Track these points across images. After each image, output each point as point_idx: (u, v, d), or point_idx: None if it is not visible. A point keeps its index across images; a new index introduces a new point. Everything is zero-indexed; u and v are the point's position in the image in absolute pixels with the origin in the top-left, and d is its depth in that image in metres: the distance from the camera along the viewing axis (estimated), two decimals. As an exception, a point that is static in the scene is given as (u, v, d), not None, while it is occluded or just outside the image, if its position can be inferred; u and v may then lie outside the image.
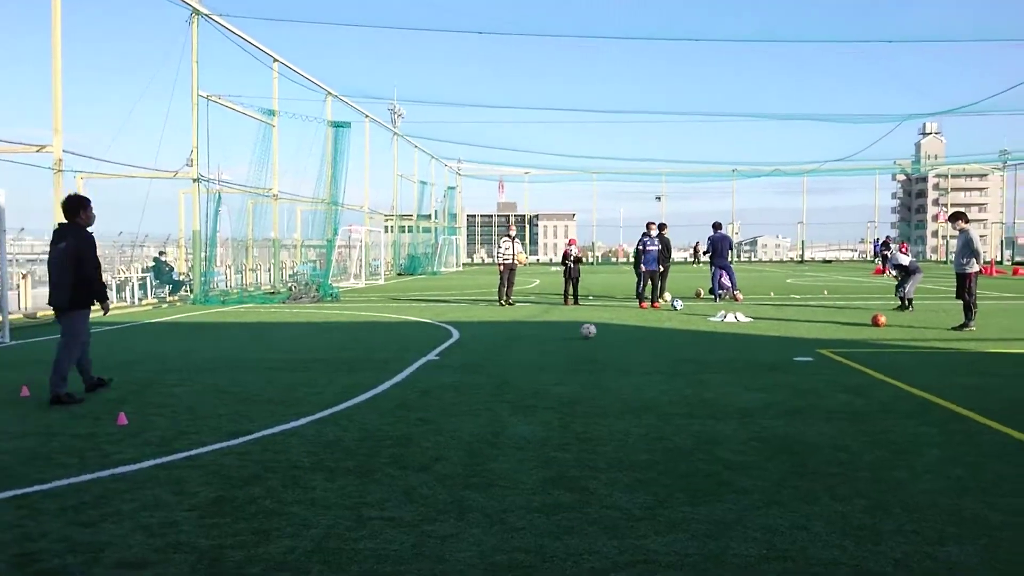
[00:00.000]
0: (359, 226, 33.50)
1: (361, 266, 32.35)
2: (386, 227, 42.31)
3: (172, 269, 23.96)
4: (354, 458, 5.21)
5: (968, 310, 12.60)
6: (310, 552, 3.61)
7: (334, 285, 23.46)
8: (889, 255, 17.10)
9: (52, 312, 7.66)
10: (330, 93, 29.81)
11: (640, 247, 17.86)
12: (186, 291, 22.30)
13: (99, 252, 7.81)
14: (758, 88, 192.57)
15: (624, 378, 8.26)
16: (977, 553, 3.58)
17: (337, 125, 23.88)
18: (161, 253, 24.39)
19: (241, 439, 5.75)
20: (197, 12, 19.99)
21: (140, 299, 20.71)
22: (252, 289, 24.76)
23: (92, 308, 7.64)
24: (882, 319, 13.23)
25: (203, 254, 20.63)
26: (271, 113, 23.69)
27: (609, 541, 3.72)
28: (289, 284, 24.41)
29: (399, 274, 40.62)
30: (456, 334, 12.47)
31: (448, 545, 3.69)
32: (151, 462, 5.15)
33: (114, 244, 25.09)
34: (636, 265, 18.00)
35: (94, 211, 7.62)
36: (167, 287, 22.70)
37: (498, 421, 6.26)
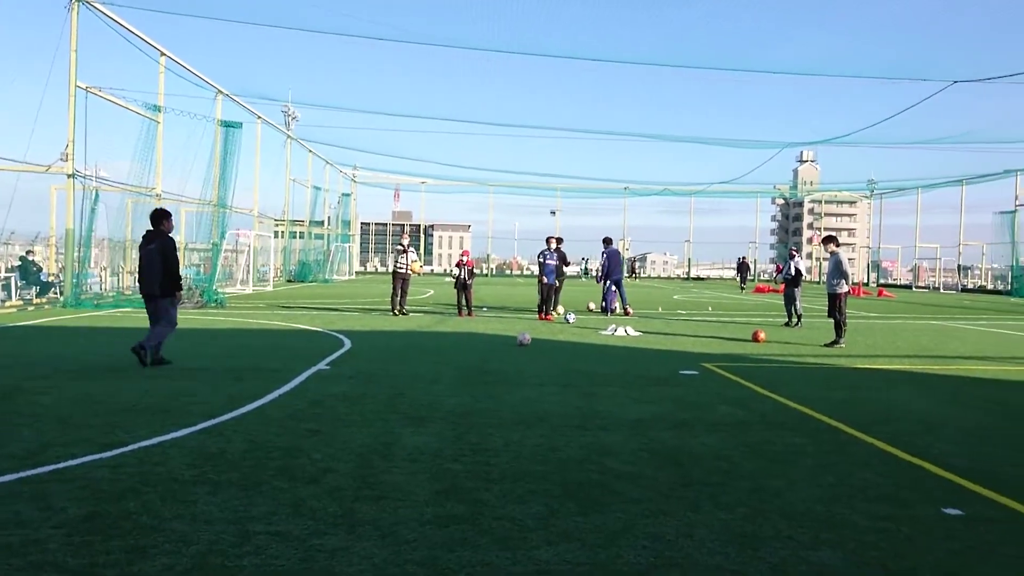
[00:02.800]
0: (248, 230, 32.41)
1: (249, 272, 31.29)
2: (277, 232, 41.14)
3: (40, 270, 22.44)
4: (239, 470, 5.01)
5: (838, 328, 13.39)
6: (190, 569, 3.44)
7: (219, 291, 22.56)
8: (793, 265, 17.69)
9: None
10: (220, 91, 28.74)
11: (541, 260, 18.31)
12: (55, 293, 20.93)
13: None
14: (650, 110, 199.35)
15: (517, 390, 8.32)
16: (845, 556, 3.80)
17: (227, 125, 23.06)
18: (28, 252, 22.81)
19: (115, 451, 5.43)
20: (77, -1, 18.90)
21: (3, 301, 19.28)
22: (130, 292, 23.49)
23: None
24: (762, 335, 13.89)
25: (76, 254, 19.43)
26: (156, 109, 22.61)
27: (502, 552, 3.72)
28: (171, 288, 23.28)
29: (289, 281, 39.54)
30: (348, 343, 12.24)
31: (338, 559, 3.60)
32: (13, 476, 4.79)
33: (-26, 241, 23.31)
34: (540, 278, 18.46)
35: (172, 222, 9.90)
36: (34, 288, 21.24)
37: (390, 432, 6.17)
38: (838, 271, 13.61)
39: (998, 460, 5.74)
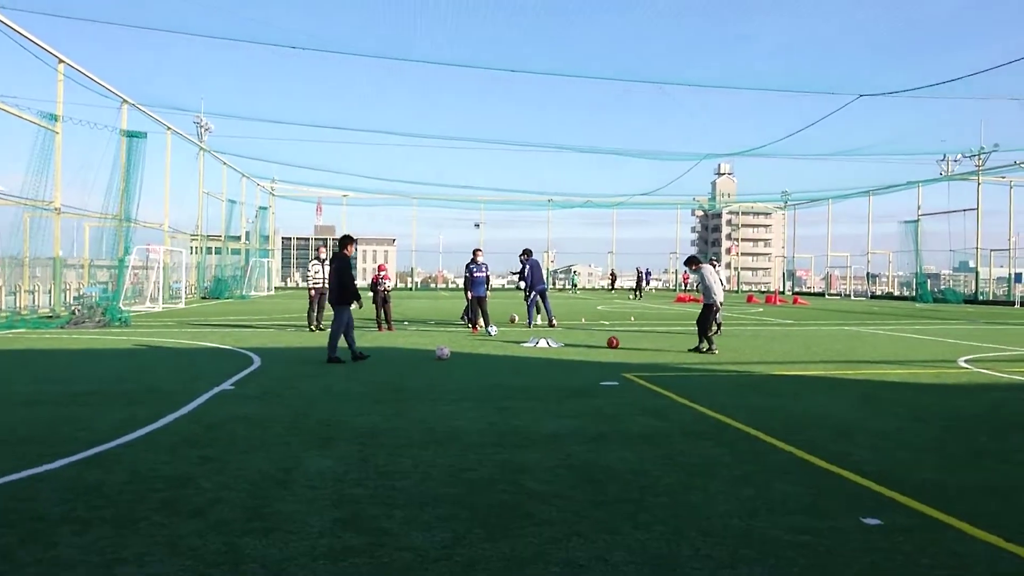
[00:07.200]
0: (158, 246, 31.07)
1: (159, 289, 29.97)
2: (191, 247, 39.65)
3: (-75, 289, 20.90)
4: (115, 505, 4.53)
5: (707, 336, 13.69)
6: (37, 626, 3.00)
7: (124, 309, 21.43)
8: (697, 280, 18.06)
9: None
10: (126, 101, 27.51)
11: (468, 274, 18.09)
12: (-58, 315, 19.47)
13: None
14: (571, 122, 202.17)
15: (432, 406, 7.98)
16: (765, 573, 3.61)
17: (131, 135, 22.01)
18: (-88, 271, 21.23)
19: (-25, 488, 4.86)
20: (-37, 0, 17.74)
21: None
22: (26, 313, 22.11)
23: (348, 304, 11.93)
24: (615, 342, 14.35)
25: (-36, 273, 18.14)
26: (53, 118, 21.43)
27: (400, 588, 3.40)
28: (72, 308, 22.02)
29: (203, 298, 38.11)
30: (257, 361, 11.66)
31: (213, 605, 3.21)
32: None
33: None
34: (466, 291, 18.37)
35: (354, 248, 12.19)
36: (-82, 310, 19.75)
37: (292, 456, 5.76)
38: (703, 286, 14.18)
39: (911, 464, 5.72)
